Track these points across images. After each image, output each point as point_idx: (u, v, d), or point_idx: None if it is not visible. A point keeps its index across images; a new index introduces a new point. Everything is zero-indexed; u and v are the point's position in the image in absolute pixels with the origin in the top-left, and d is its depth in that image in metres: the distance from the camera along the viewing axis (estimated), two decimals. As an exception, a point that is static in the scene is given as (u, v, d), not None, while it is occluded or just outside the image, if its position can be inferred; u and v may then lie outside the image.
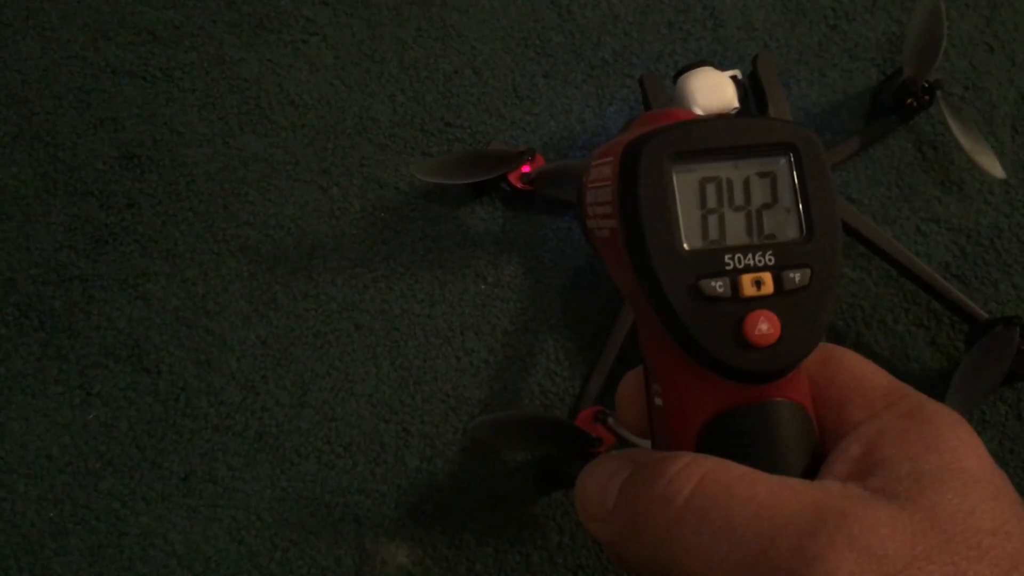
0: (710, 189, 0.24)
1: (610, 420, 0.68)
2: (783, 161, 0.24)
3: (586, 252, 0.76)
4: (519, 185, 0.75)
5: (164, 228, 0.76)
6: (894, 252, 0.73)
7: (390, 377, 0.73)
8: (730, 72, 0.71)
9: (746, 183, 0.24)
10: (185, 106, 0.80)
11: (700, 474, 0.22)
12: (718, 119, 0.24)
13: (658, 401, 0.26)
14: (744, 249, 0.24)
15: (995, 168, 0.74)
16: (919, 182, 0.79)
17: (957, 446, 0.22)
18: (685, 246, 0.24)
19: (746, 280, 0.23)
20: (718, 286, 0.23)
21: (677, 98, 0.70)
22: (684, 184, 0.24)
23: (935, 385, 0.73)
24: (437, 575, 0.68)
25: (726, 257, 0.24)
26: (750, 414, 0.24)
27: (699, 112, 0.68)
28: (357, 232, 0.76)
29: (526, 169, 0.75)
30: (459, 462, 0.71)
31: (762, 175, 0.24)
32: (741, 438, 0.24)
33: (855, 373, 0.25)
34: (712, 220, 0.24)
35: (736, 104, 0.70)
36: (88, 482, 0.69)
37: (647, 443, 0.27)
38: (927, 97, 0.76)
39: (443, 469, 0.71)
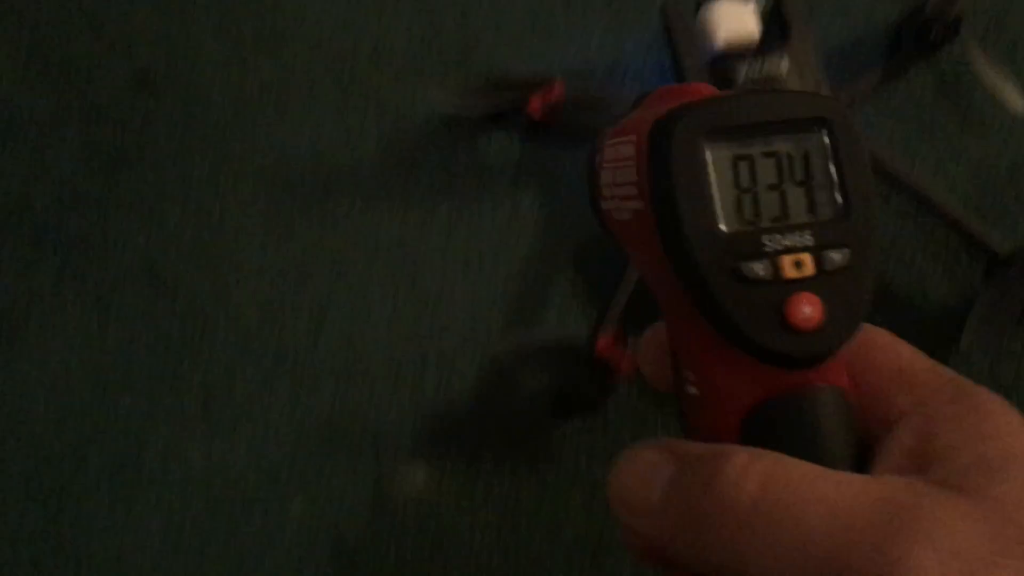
0: (743, 168, 0.23)
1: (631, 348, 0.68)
2: (817, 137, 0.23)
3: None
4: (538, 117, 0.75)
5: (179, 152, 0.76)
6: (914, 183, 0.73)
7: (407, 303, 0.73)
8: (750, 3, 0.70)
9: (779, 161, 0.24)
10: (200, 28, 0.79)
11: (761, 472, 0.21)
12: (749, 94, 0.24)
13: (692, 390, 0.25)
14: (781, 229, 0.23)
15: (1017, 104, 0.74)
16: (940, 118, 0.78)
17: (1012, 431, 0.22)
18: (723, 228, 0.23)
19: (787, 261, 0.23)
20: (759, 269, 0.23)
21: (699, 29, 0.69)
22: (719, 163, 0.23)
23: (952, 321, 0.73)
24: (455, 495, 0.68)
25: (764, 238, 0.23)
26: (795, 402, 0.24)
27: (719, 45, 0.68)
28: (374, 160, 0.76)
29: (545, 100, 0.74)
30: (476, 387, 0.71)
31: (796, 152, 0.24)
32: (788, 428, 0.24)
33: (894, 357, 0.25)
34: (747, 200, 0.23)
35: (757, 36, 0.69)
36: (107, 401, 0.70)
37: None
38: (950, 31, 0.76)
39: (460, 394, 0.71)
